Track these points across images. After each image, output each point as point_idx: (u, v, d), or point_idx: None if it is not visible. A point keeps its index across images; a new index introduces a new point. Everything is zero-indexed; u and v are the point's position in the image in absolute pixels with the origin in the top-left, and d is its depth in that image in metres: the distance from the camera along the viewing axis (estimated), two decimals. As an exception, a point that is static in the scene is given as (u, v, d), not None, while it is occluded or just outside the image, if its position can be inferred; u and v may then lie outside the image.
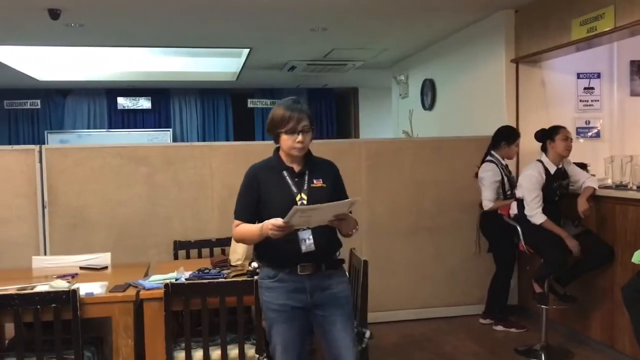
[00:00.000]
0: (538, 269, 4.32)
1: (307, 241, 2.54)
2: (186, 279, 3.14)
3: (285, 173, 2.61)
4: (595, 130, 5.47)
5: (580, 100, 5.45)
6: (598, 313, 4.31)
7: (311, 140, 2.62)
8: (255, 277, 2.98)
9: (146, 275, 3.46)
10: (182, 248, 4.34)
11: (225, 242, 4.25)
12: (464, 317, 5.12)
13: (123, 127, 10.28)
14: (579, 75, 5.43)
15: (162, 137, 10.22)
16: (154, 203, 4.70)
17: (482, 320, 4.98)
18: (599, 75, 5.45)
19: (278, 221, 2.38)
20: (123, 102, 10.24)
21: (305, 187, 2.59)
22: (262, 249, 2.63)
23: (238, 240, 2.72)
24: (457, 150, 5.19)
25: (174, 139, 10.29)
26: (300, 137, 2.54)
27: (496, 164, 4.76)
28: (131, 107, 10.30)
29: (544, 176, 4.21)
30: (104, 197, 4.61)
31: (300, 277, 2.56)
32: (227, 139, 10.45)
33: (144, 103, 10.29)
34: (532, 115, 5.22)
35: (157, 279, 3.14)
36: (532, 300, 4.41)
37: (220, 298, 2.93)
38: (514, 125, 5.23)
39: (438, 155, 5.23)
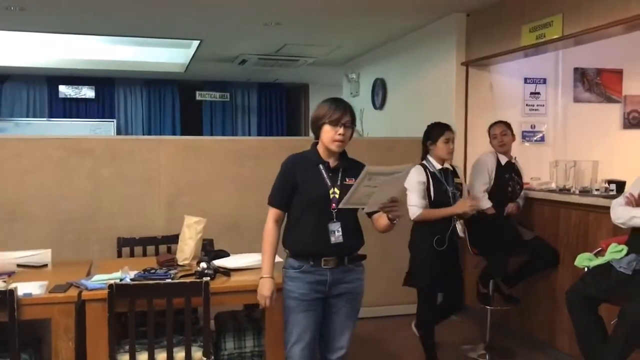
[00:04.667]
0: (482, 270, 4.40)
1: (337, 233, 2.66)
2: (131, 279, 3.02)
3: (321, 167, 2.73)
4: (540, 135, 5.61)
5: (527, 105, 5.57)
6: (540, 313, 4.43)
7: (350, 138, 2.73)
8: (205, 279, 2.92)
9: (89, 273, 3.33)
10: (127, 245, 4.18)
11: (171, 240, 4.11)
12: (412, 316, 5.16)
13: (65, 117, 9.83)
14: (526, 80, 5.55)
15: (105, 127, 9.83)
16: (98, 198, 4.53)
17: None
18: (544, 81, 5.59)
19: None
20: (65, 90, 9.82)
21: (339, 183, 2.71)
22: (290, 240, 2.75)
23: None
24: (408, 150, 5.20)
25: (118, 131, 9.94)
26: (341, 130, 2.66)
27: (426, 167, 4.09)
28: (73, 96, 9.88)
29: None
30: (44, 191, 4.42)
31: (323, 270, 2.69)
32: (174, 132, 10.19)
33: (87, 92, 9.90)
34: (480, 118, 5.30)
35: (100, 279, 3.01)
36: (477, 300, 4.49)
37: (167, 300, 2.84)
38: (463, 127, 5.31)
39: (389, 155, 5.24)
